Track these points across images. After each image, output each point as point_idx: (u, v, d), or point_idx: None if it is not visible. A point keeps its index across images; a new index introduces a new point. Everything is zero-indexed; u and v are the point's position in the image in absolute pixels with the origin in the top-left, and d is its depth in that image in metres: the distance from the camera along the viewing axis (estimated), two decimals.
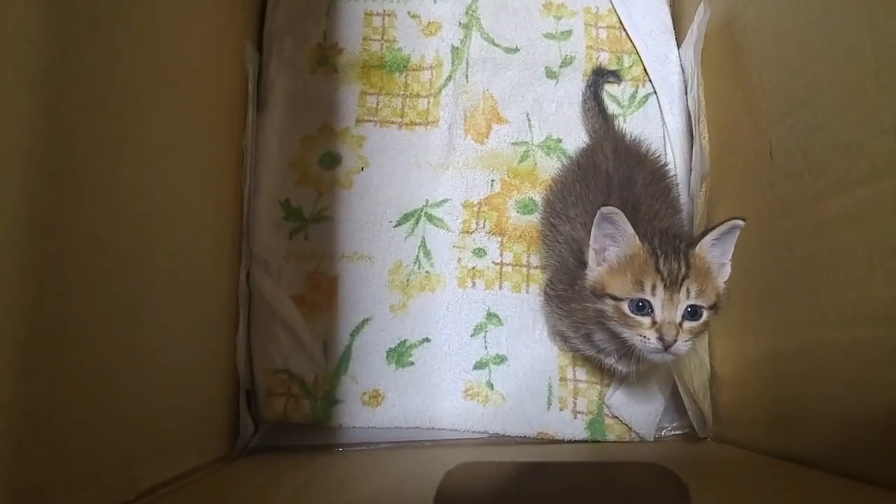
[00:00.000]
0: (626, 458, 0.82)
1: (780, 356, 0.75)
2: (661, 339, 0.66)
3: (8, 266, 0.44)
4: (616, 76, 1.06)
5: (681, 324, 0.67)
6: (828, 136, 0.65)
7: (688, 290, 0.66)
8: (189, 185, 0.75)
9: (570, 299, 0.79)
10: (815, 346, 0.68)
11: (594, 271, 0.72)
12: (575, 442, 0.91)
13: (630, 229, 0.69)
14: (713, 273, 0.69)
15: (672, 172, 0.94)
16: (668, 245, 0.68)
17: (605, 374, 0.94)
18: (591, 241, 0.71)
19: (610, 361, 0.81)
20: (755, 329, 0.80)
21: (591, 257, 0.72)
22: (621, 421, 0.91)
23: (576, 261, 0.78)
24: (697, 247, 0.68)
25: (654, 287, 0.67)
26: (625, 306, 0.68)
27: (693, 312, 0.67)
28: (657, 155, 0.93)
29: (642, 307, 0.67)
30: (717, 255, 0.70)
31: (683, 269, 0.67)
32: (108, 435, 0.56)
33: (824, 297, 0.66)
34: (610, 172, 0.84)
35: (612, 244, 0.71)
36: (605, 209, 0.68)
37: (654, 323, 0.67)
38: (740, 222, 0.67)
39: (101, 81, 0.54)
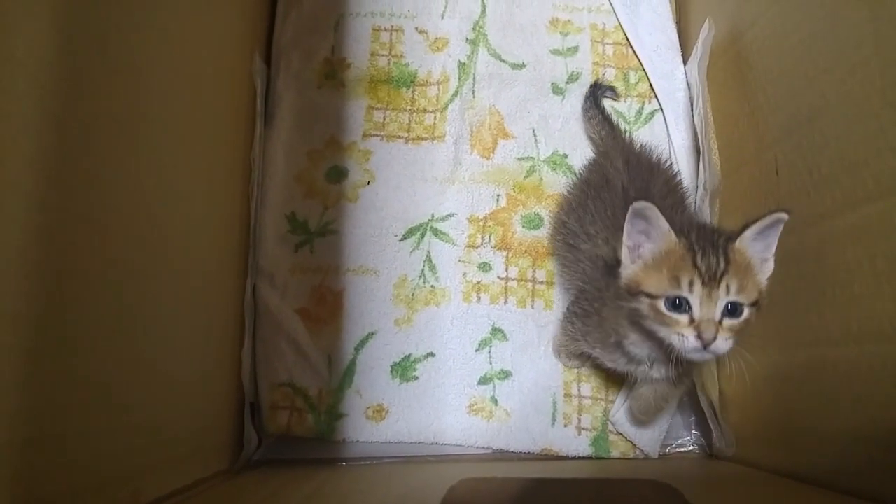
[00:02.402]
0: (630, 475, 0.81)
1: (786, 373, 0.74)
2: (699, 337, 0.63)
3: (14, 276, 0.44)
4: (614, 91, 1.05)
5: (720, 321, 0.63)
6: (833, 153, 0.65)
7: (727, 286, 0.63)
8: (196, 198, 0.75)
9: (600, 309, 0.77)
10: (822, 364, 0.67)
11: (628, 269, 0.69)
12: (579, 458, 0.90)
13: (665, 224, 0.66)
14: (754, 269, 0.66)
15: (685, 182, 0.93)
16: (707, 240, 0.65)
17: (610, 391, 0.93)
18: (625, 238, 0.68)
19: (643, 370, 0.77)
20: (761, 346, 0.79)
21: (624, 255, 0.69)
22: (626, 438, 0.91)
23: (605, 266, 0.76)
24: (738, 241, 0.65)
25: (691, 283, 0.63)
26: (661, 304, 0.65)
27: (733, 310, 0.64)
28: (668, 163, 0.91)
29: (679, 305, 0.64)
30: (760, 249, 0.66)
31: (723, 265, 0.63)
32: (112, 447, 0.56)
33: (830, 315, 0.66)
34: (626, 186, 0.82)
35: (646, 241, 0.68)
36: (637, 204, 0.65)
37: (692, 321, 0.64)
38: (784, 215, 0.64)
39: (110, 95, 0.55)
